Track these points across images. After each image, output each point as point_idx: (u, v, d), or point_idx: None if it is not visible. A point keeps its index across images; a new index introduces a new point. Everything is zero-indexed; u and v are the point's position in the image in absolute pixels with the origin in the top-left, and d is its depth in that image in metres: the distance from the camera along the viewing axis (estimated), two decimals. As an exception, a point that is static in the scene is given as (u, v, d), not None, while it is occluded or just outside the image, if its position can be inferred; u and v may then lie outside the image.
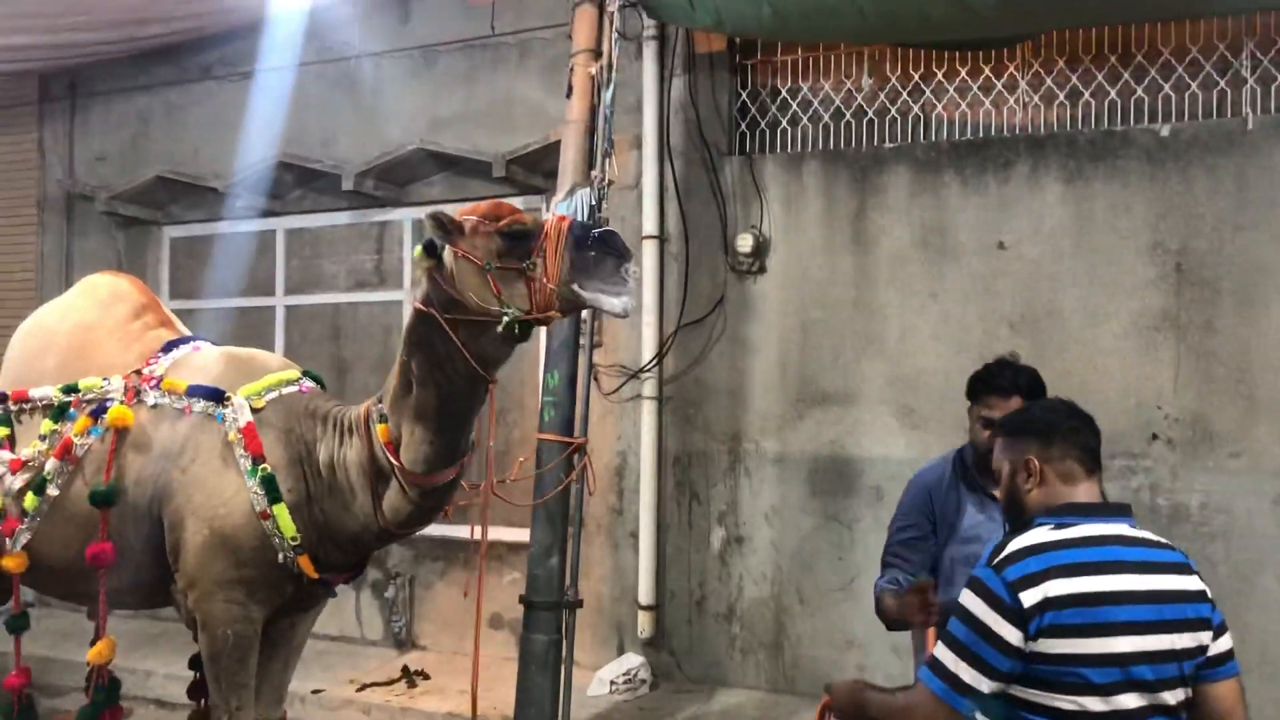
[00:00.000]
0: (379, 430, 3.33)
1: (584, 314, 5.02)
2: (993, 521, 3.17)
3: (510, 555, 5.98)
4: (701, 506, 5.86)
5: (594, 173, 4.84)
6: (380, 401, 3.39)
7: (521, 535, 5.18)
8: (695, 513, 5.87)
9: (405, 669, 6.04)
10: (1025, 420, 2.47)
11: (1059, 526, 2.26)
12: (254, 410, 3.45)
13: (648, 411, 5.90)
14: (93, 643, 3.64)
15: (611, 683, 5.63)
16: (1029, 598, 2.15)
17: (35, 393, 3.72)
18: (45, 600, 6.37)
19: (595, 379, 5.28)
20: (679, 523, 5.90)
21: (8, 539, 3.61)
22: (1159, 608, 2.20)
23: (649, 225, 5.86)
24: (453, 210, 3.28)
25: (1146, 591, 2.20)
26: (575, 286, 3.08)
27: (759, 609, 5.71)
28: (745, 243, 5.64)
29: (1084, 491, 2.33)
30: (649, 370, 5.84)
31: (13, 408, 3.75)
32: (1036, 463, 2.35)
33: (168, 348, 3.73)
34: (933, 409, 5.31)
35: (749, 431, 5.76)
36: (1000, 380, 3.24)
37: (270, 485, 3.36)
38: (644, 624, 5.85)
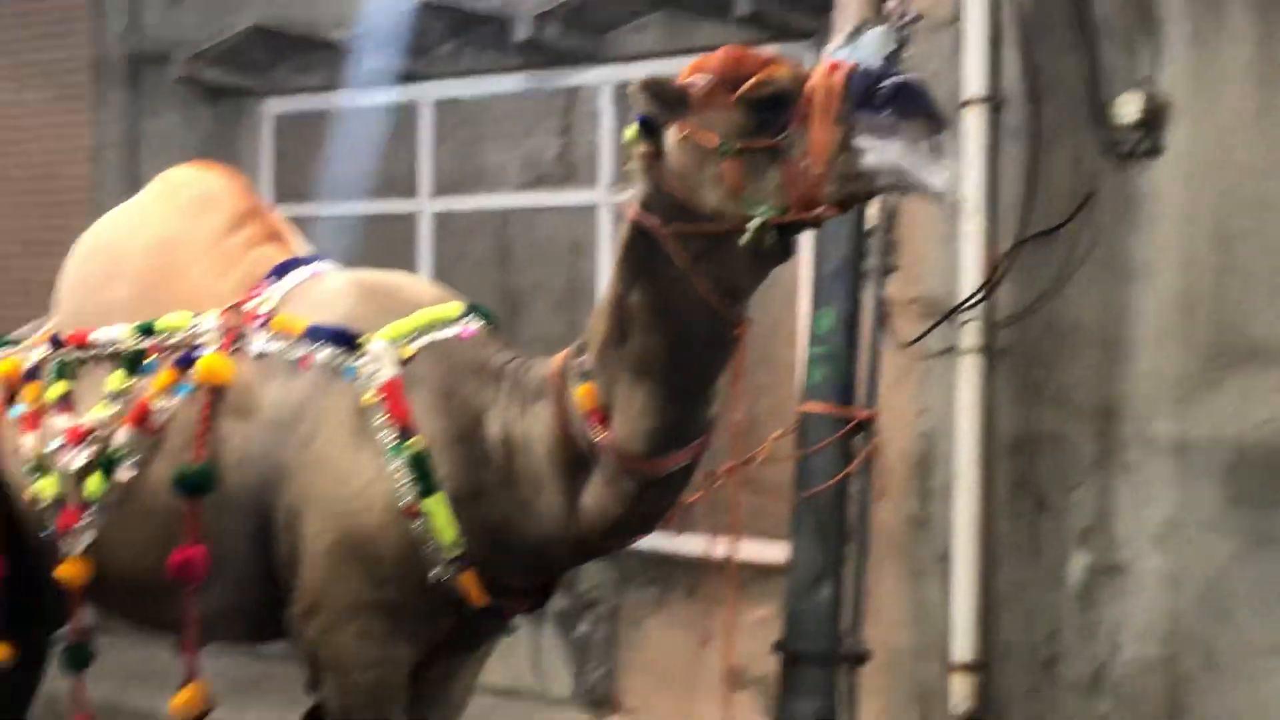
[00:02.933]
0: (579, 394, 3.36)
1: (871, 217, 4.94)
2: None
3: (758, 582, 5.98)
4: (1053, 519, 5.73)
5: (889, 3, 4.76)
6: (581, 353, 3.41)
7: (776, 553, 5.19)
8: (1043, 528, 5.75)
9: (605, 741, 6.20)
10: None
11: None
12: (400, 362, 3.55)
13: (968, 372, 5.78)
14: (179, 687, 3.84)
15: (912, 779, 5.61)
16: None
17: (100, 335, 3.93)
18: (110, 626, 6.84)
19: (887, 322, 5.20)
20: (1017, 543, 5.79)
21: (66, 538, 3.85)
22: None
23: (974, 83, 5.70)
24: (676, 70, 3.26)
25: None
26: (859, 161, 3.01)
27: (1145, 677, 5.56)
28: (1129, 107, 5.44)
29: None
30: (971, 308, 5.70)
31: (70, 356, 3.99)
32: None
33: (278, 272, 3.86)
34: None
35: (1131, 404, 5.59)
36: None
37: (422, 469, 3.44)
38: (962, 692, 5.76)
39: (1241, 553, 5.40)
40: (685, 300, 3.17)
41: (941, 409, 5.88)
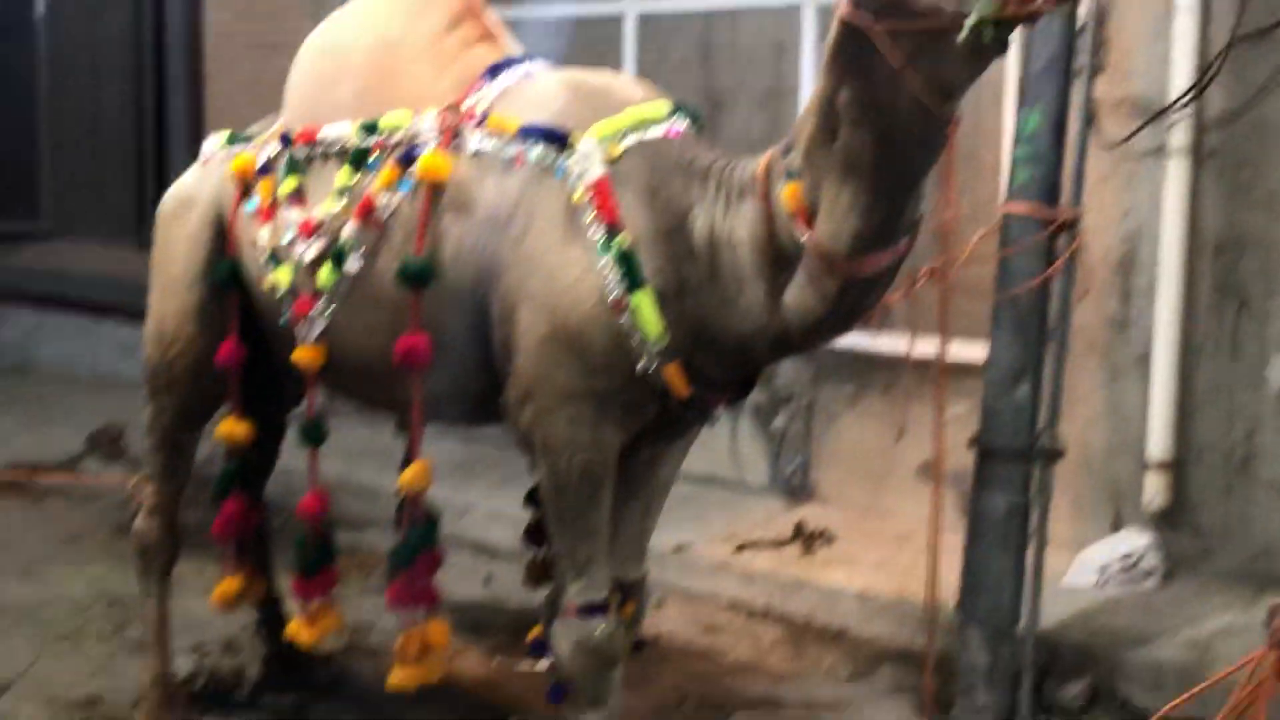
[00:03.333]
0: (786, 192, 3.34)
1: (1081, 14, 4.76)
2: None
3: (957, 380, 5.90)
4: (1255, 320, 5.58)
5: None
6: (788, 153, 3.39)
7: (975, 353, 5.15)
8: (1245, 330, 5.60)
9: (799, 528, 6.28)
10: None
11: None
12: (608, 161, 3.56)
13: (1176, 173, 5.62)
14: (403, 464, 4.00)
15: (1103, 569, 5.61)
16: None
17: (327, 132, 4.03)
18: (340, 408, 7.11)
19: (1094, 123, 5.05)
20: (1218, 344, 5.66)
21: (301, 325, 4.01)
22: None
23: None
24: None
25: None
26: None
27: (1342, 477, 5.44)
28: (1355, -99, 5.10)
29: None
30: (1181, 108, 5.49)
31: (300, 152, 4.10)
32: None
33: (492, 72, 3.90)
34: None
35: (1341, 205, 5.37)
36: None
37: (629, 265, 3.48)
38: (1155, 489, 5.73)
39: None
40: (896, 98, 3.11)
41: (1147, 210, 5.73)
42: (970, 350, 5.29)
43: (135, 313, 4.98)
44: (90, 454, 8.06)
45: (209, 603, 4.69)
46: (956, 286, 4.04)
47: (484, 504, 6.48)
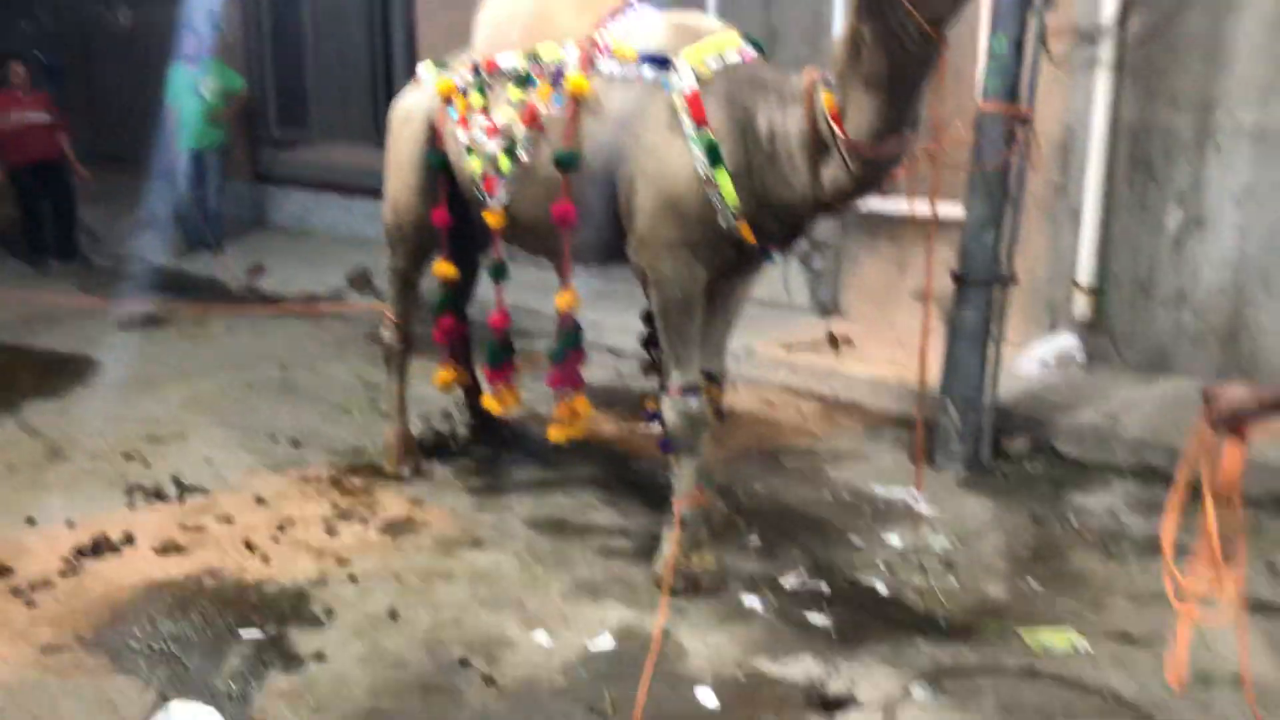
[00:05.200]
0: (824, 99, 3.25)
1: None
2: None
3: (941, 232, 5.79)
4: (1157, 186, 5.37)
5: None
6: (826, 70, 3.29)
7: (956, 211, 5.03)
8: (1149, 192, 5.39)
9: (830, 334, 6.26)
10: None
11: None
12: (698, 78, 3.48)
13: (1102, 79, 5.38)
14: (559, 292, 4.03)
15: (1041, 361, 5.53)
16: None
17: (503, 62, 3.97)
18: (512, 256, 7.14)
19: (1045, 43, 4.82)
20: (1129, 203, 5.47)
21: (489, 197, 4.00)
22: None
23: None
24: None
25: None
26: None
27: (1215, 297, 5.26)
28: None
29: None
30: (1109, 31, 5.23)
31: (485, 76, 4.04)
32: None
33: (615, 14, 3.81)
34: None
35: (1225, 102, 5.10)
36: None
37: (713, 152, 3.42)
38: (1081, 305, 5.61)
39: (1301, 210, 5.00)
40: (903, 30, 3.00)
41: (1080, 108, 5.50)
42: (952, 209, 5.16)
43: (375, 192, 5.00)
44: (349, 288, 8.20)
45: (433, 385, 4.80)
46: (944, 163, 3.92)
47: (613, 320, 6.50)
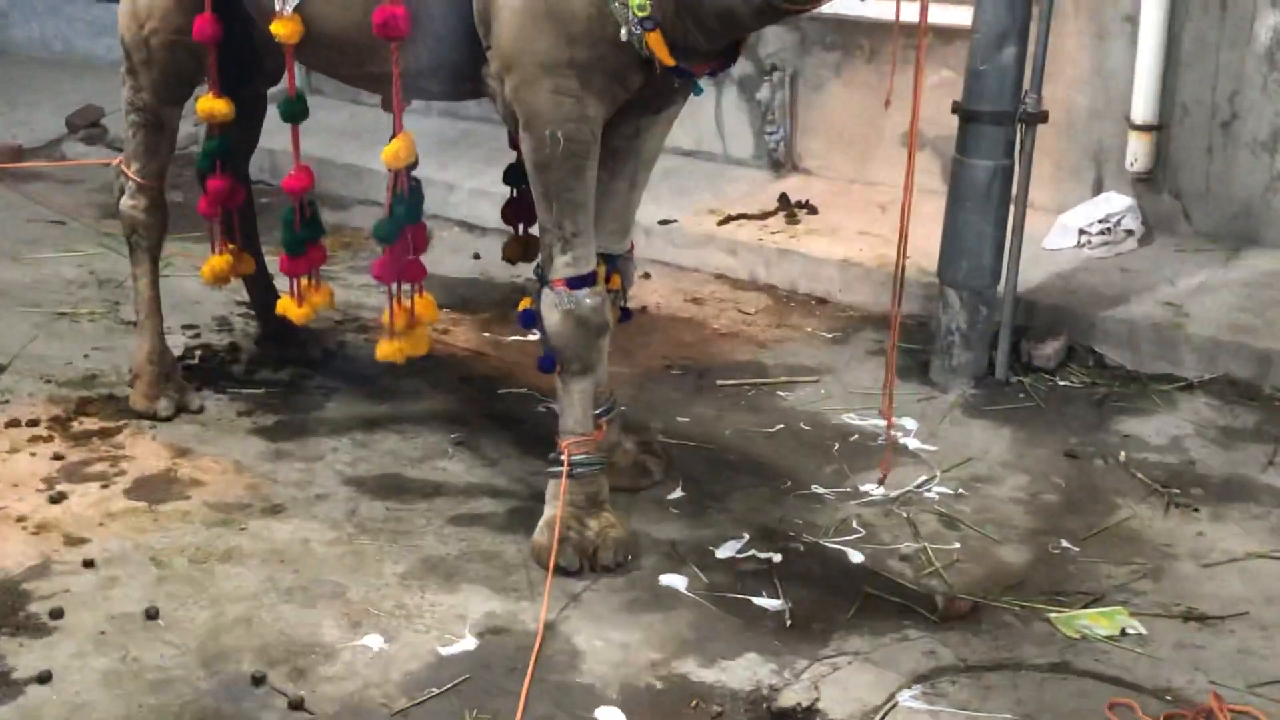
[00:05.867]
0: None
1: None
2: None
3: (940, 45, 5.88)
4: (1243, -20, 5.48)
5: None
6: None
7: (961, 15, 5.06)
8: (1232, -10, 5.50)
9: (784, 198, 6.30)
10: None
11: None
12: None
13: None
14: (388, 140, 3.97)
15: (1082, 232, 5.65)
16: None
17: None
18: (317, 87, 7.02)
19: None
20: (1203, 4, 5.56)
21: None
22: None
23: None
24: None
25: None
26: None
27: (1324, 137, 5.42)
28: None
29: None
30: None
31: None
32: None
33: None
34: None
35: None
36: None
37: (611, -68, 3.39)
38: (1137, 151, 5.72)
39: None
40: None
41: None
42: (956, 13, 5.20)
43: (107, -11, 4.85)
44: (71, 136, 7.98)
45: (200, 280, 4.72)
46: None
47: (470, 182, 6.45)
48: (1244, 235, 5.63)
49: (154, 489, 4.18)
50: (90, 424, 4.57)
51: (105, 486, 4.19)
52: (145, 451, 4.40)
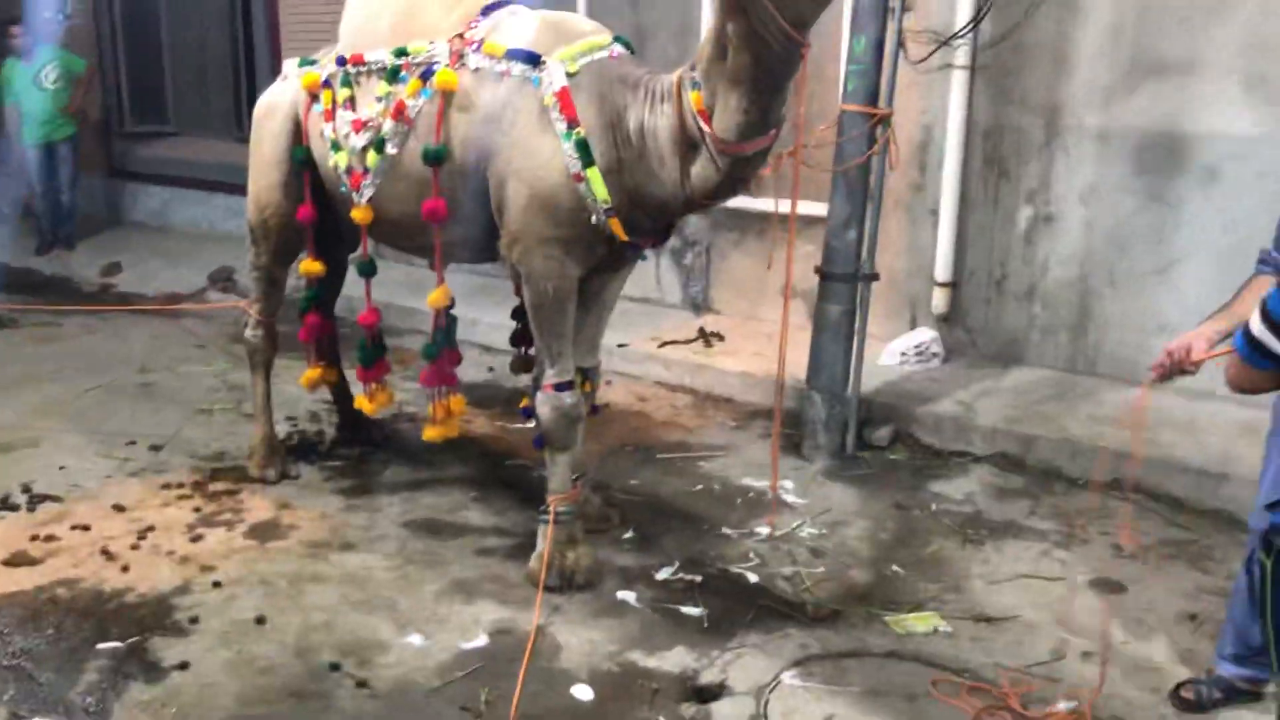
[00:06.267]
0: (692, 98, 3.27)
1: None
2: None
3: (806, 229, 5.93)
4: (1009, 184, 5.58)
5: None
6: (694, 69, 3.30)
7: (819, 209, 5.13)
8: (1002, 190, 5.60)
9: (701, 330, 6.32)
10: None
11: None
12: (568, 75, 3.46)
13: (958, 82, 5.55)
14: (432, 290, 3.96)
15: (902, 354, 5.69)
16: None
17: (370, 56, 3.89)
18: (381, 253, 7.01)
19: (903, 46, 4.96)
20: (984, 200, 5.67)
21: (355, 193, 3.92)
22: None
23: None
24: None
25: None
26: None
27: (1064, 290, 5.50)
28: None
29: None
30: (963, 36, 5.41)
31: (351, 70, 3.96)
32: None
33: (486, 11, 3.76)
34: (1291, 81, 4.69)
35: (1070, 104, 5.33)
36: None
37: (584, 149, 3.40)
38: (939, 300, 5.79)
39: (1137, 207, 5.25)
40: (767, 30, 3.03)
41: (938, 108, 5.67)
42: (816, 207, 5.27)
43: (237, 188, 4.85)
44: (211, 286, 7.93)
45: (300, 384, 4.68)
46: (808, 162, 3.99)
47: (487, 318, 6.44)
48: (1012, 358, 5.69)
49: (264, 531, 4.10)
50: (220, 486, 4.49)
51: (229, 529, 4.11)
52: (258, 506, 4.32)
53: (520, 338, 4.31)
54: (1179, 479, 4.39)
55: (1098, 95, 5.25)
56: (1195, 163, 5.05)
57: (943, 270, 5.76)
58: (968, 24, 5.37)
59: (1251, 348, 2.27)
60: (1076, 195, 5.40)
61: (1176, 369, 2.75)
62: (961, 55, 5.49)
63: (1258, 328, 2.25)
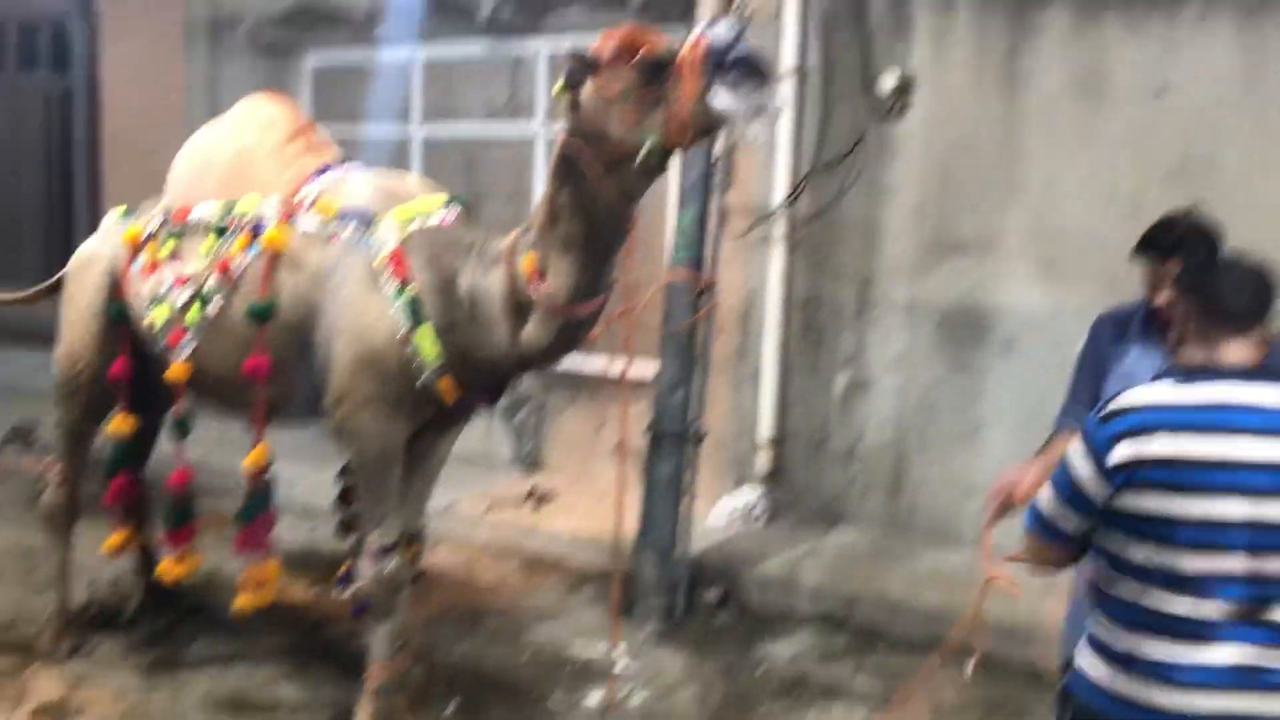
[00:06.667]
0: (525, 260, 3.32)
1: (716, 151, 4.91)
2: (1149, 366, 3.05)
3: (638, 390, 5.98)
4: (827, 351, 5.81)
5: (735, 2, 4.68)
6: (526, 233, 3.36)
7: (649, 370, 5.22)
8: (820, 356, 5.82)
9: (532, 490, 6.24)
10: (1181, 275, 2.45)
11: (1182, 382, 2.20)
12: (401, 237, 3.47)
13: (777, 254, 5.80)
14: (249, 450, 3.81)
15: (730, 514, 5.74)
16: (1121, 452, 2.13)
17: (196, 212, 3.81)
18: (201, 411, 6.72)
19: (726, 221, 5.20)
20: (803, 366, 5.87)
21: (173, 350, 3.77)
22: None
23: (788, 60, 5.60)
24: (590, 42, 3.17)
25: (1266, 461, 2.09)
26: (711, 103, 2.94)
27: (880, 452, 5.69)
28: (889, 81, 5.39)
29: (1231, 351, 2.22)
30: (780, 212, 5.71)
31: (177, 226, 3.86)
32: (1184, 317, 2.28)
33: (319, 172, 3.76)
34: (1075, 261, 5.11)
35: (879, 277, 5.64)
36: (1156, 239, 3.09)
37: (415, 309, 3.39)
38: (763, 460, 5.90)
39: (944, 375, 5.53)
40: (596, 200, 3.13)
41: (758, 279, 5.89)
42: (646, 368, 5.35)
43: (45, 340, 4.60)
44: (9, 444, 7.41)
45: (101, 551, 4.36)
46: (637, 325, 4.08)
47: (309, 477, 6.20)
48: (834, 516, 5.81)
49: (51, 713, 3.75)
50: (2, 663, 4.09)
51: (7, 713, 3.73)
52: (46, 684, 3.96)
53: (344, 499, 4.16)
54: (994, 637, 4.50)
55: (905, 269, 5.59)
56: (995, 334, 5.39)
57: (766, 432, 5.89)
58: (782, 202, 5.68)
59: (1041, 524, 2.32)
60: (888, 362, 5.66)
61: (1007, 506, 2.86)
62: (779, 229, 5.77)
63: (1046, 498, 2.30)
